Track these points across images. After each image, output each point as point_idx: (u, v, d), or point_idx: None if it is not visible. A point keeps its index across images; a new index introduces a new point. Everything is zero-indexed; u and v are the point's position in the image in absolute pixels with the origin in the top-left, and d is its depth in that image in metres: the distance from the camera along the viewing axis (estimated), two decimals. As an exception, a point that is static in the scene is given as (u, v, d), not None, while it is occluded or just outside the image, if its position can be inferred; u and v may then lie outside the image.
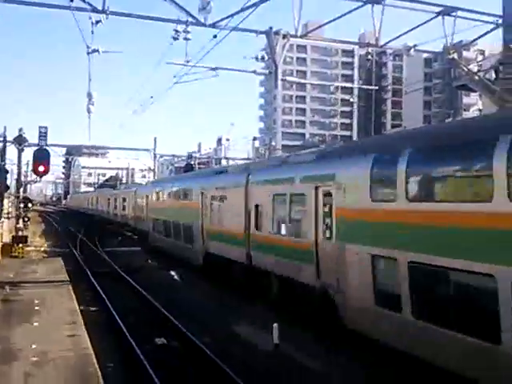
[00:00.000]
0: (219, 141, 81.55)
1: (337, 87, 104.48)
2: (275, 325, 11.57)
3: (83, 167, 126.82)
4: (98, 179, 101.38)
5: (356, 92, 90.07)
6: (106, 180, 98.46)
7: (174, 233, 25.20)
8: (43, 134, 29.57)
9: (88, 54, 17.20)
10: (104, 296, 16.62)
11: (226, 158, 59.34)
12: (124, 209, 44.15)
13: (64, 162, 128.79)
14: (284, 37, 15.09)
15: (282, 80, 17.90)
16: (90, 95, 21.55)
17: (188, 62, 18.56)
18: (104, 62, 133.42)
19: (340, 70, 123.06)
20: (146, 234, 32.33)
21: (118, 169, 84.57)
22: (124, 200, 44.16)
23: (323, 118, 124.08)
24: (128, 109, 36.79)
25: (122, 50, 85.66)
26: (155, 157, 49.20)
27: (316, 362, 10.57)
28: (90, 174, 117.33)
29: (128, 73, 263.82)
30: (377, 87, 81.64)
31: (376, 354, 10.10)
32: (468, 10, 16.36)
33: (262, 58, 19.81)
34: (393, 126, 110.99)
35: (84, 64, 58.88)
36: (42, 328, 11.64)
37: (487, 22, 16.55)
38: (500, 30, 16.14)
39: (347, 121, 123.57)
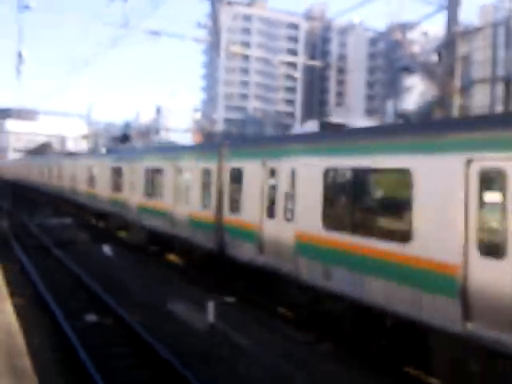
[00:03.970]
0: (158, 110, 79.29)
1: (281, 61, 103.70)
2: (211, 303, 11.31)
3: (12, 132, 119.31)
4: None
5: (300, 67, 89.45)
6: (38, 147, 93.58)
7: None
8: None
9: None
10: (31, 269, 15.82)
11: (167, 129, 58.04)
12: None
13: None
14: (229, 4, 14.49)
15: (225, 50, 17.27)
16: (19, 55, 20.28)
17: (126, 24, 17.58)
18: (36, 19, 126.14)
19: (285, 43, 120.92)
20: None
21: (49, 136, 79.45)
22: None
23: (267, 93, 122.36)
24: (61, 71, 34.81)
25: (56, 8, 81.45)
26: (90, 123, 47.21)
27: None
28: (18, 140, 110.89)
29: (62, 32, 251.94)
30: (322, 64, 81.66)
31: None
32: (414, -9, 16.26)
33: (205, 25, 19.09)
34: (336, 104, 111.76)
35: (14, 21, 55.24)
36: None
37: (432, 4, 16.49)
38: (445, 13, 16.09)
39: (291, 97, 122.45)
